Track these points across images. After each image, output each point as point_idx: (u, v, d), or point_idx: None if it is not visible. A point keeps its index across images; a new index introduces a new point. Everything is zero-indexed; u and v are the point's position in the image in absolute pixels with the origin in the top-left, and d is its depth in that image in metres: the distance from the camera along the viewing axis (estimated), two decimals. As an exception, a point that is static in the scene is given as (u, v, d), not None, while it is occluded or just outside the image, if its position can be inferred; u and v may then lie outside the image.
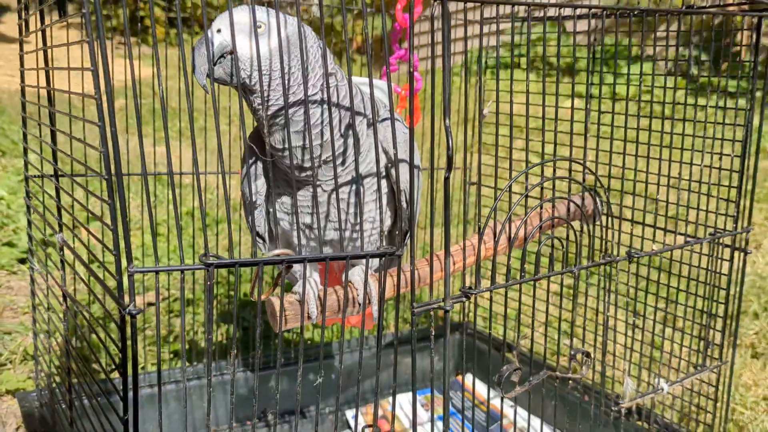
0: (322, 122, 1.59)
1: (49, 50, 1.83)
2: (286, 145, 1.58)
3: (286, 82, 1.53)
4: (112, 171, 1.13)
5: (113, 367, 1.16)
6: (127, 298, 1.12)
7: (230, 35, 1.45)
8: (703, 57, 2.34)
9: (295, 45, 1.54)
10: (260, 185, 1.74)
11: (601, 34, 1.69)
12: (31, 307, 3.62)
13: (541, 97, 1.58)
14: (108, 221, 1.19)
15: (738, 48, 2.09)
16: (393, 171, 1.70)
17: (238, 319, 3.37)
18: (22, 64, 2.09)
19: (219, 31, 1.49)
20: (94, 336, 2.73)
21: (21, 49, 2.07)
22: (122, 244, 1.11)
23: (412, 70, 1.28)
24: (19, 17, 2.06)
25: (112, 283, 1.29)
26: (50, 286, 2.01)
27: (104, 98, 1.16)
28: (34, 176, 1.95)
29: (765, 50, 9.00)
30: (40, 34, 1.86)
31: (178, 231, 1.03)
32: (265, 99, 1.45)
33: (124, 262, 1.12)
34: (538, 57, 4.34)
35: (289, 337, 3.27)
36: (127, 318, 1.12)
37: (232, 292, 3.68)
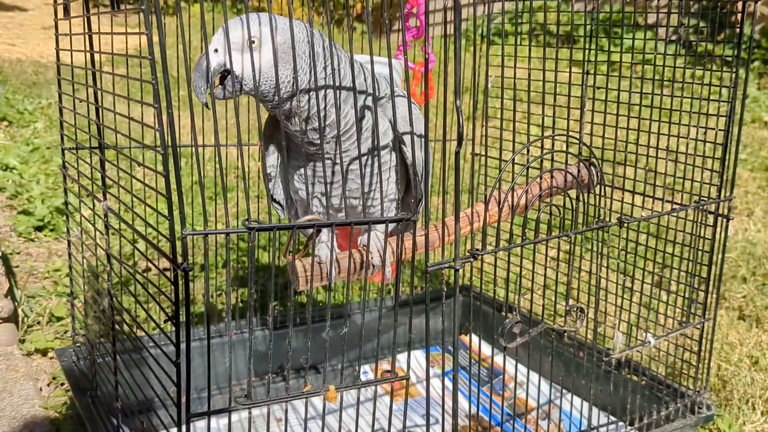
0: (326, 107, 1.71)
1: (86, 18, 1.90)
2: (300, 128, 1.72)
3: (288, 84, 1.65)
4: (167, 141, 1.29)
5: (166, 318, 1.31)
6: (180, 258, 1.29)
7: (225, 54, 1.55)
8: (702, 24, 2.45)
9: (288, 53, 1.61)
10: (277, 158, 1.89)
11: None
12: (54, 271, 3.79)
13: (542, 66, 1.71)
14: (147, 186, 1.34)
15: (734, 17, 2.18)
16: (404, 145, 1.85)
17: (256, 282, 3.54)
18: (56, 30, 2.14)
19: (216, 51, 1.56)
20: (135, 293, 2.87)
21: (56, 15, 2.14)
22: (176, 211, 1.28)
23: (427, 61, 1.42)
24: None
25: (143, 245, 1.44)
26: (88, 246, 2.15)
27: (158, 59, 1.30)
28: (71, 148, 2.09)
29: (764, 20, 9.05)
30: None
31: (225, 199, 1.19)
32: (272, 101, 1.57)
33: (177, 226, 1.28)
34: (538, 26, 4.44)
35: (302, 300, 3.45)
36: (181, 274, 1.29)
37: (243, 258, 3.85)
